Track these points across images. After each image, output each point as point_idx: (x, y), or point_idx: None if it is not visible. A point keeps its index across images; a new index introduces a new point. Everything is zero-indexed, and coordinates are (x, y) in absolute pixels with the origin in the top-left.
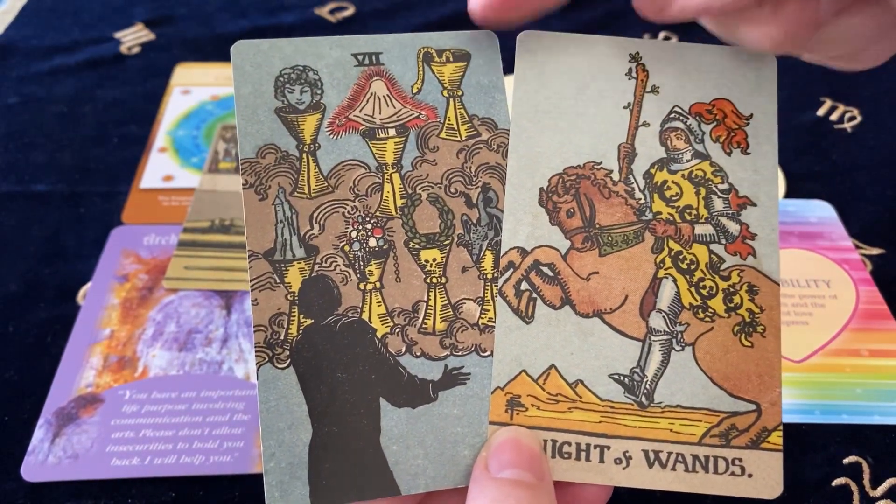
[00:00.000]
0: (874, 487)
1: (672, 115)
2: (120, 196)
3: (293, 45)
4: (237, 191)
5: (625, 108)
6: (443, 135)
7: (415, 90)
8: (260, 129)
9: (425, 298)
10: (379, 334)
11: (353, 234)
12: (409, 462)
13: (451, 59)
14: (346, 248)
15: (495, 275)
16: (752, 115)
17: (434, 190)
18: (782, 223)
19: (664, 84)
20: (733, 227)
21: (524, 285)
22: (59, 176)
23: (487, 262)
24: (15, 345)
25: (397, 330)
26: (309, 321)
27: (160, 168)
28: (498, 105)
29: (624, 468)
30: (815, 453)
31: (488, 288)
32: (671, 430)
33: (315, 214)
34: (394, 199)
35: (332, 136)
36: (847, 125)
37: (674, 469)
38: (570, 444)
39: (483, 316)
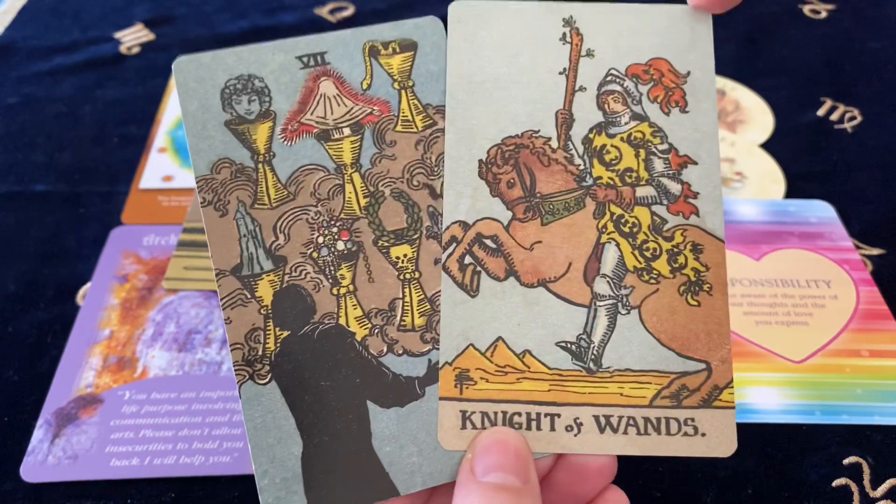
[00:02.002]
0: (874, 488)
1: (608, 79)
2: (119, 196)
3: (235, 54)
4: None
5: (560, 73)
6: (399, 128)
7: (365, 86)
8: (212, 144)
9: (401, 295)
10: (358, 337)
11: (320, 240)
12: (404, 461)
13: (398, 50)
14: (315, 254)
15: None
16: (689, 73)
17: (397, 185)
18: (782, 223)
19: (599, 47)
20: (674, 187)
21: (468, 259)
22: (58, 176)
23: None
24: (14, 345)
25: (376, 331)
26: (285, 333)
27: (160, 168)
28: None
29: (575, 435)
30: (815, 454)
31: None
32: (621, 395)
33: (279, 224)
34: (357, 199)
35: (286, 142)
36: (847, 125)
37: (625, 433)
38: (520, 414)
39: None
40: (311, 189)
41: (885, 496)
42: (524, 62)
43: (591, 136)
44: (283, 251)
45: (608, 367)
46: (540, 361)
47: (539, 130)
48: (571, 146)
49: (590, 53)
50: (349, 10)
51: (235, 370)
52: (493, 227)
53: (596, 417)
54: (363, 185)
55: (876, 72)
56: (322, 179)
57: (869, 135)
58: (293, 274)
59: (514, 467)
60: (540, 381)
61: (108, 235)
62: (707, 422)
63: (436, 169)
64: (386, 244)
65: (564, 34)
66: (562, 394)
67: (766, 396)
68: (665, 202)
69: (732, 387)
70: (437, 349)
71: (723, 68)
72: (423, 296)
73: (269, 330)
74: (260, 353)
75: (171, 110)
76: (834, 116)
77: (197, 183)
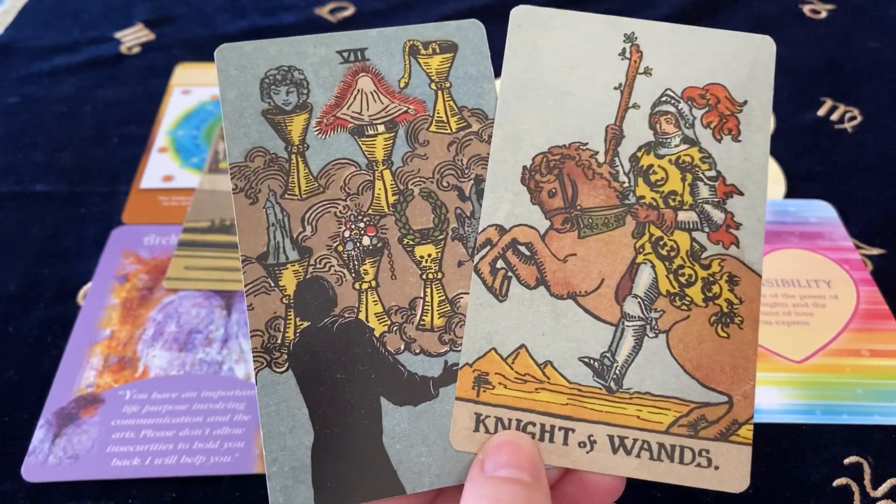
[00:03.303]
0: (875, 488)
1: (663, 98)
2: (120, 196)
3: (277, 45)
4: None
5: (615, 88)
6: (432, 128)
7: (402, 84)
8: (247, 133)
9: (422, 295)
10: (377, 333)
11: (346, 234)
12: (413, 461)
13: (438, 51)
14: (340, 247)
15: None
16: (745, 102)
17: (426, 185)
18: (783, 223)
19: (658, 66)
20: (717, 216)
21: (500, 263)
22: (59, 176)
23: None
24: (15, 345)
25: (395, 328)
26: (305, 323)
27: (160, 168)
28: (487, 95)
29: (587, 452)
30: (815, 454)
31: None
32: (638, 417)
33: (307, 216)
34: (385, 196)
35: (320, 135)
36: (847, 125)
37: (638, 456)
38: (534, 424)
39: None
40: (342, 183)
41: (885, 496)
42: (580, 74)
43: (639, 154)
44: (309, 242)
45: (628, 389)
46: (560, 374)
47: (587, 143)
48: (618, 162)
49: (647, 71)
50: (349, 10)
51: (254, 357)
52: (529, 234)
53: (610, 437)
54: (393, 182)
55: (876, 72)
56: (353, 175)
57: (869, 135)
58: (317, 266)
59: (526, 466)
60: (558, 394)
61: (109, 235)
62: (722, 455)
63: (466, 171)
64: (411, 243)
65: (624, 50)
66: (579, 409)
67: (767, 396)
68: (706, 229)
69: (752, 423)
70: (455, 351)
71: None
72: (444, 297)
73: (290, 320)
74: (279, 341)
75: (171, 110)
76: (834, 116)
77: (230, 169)
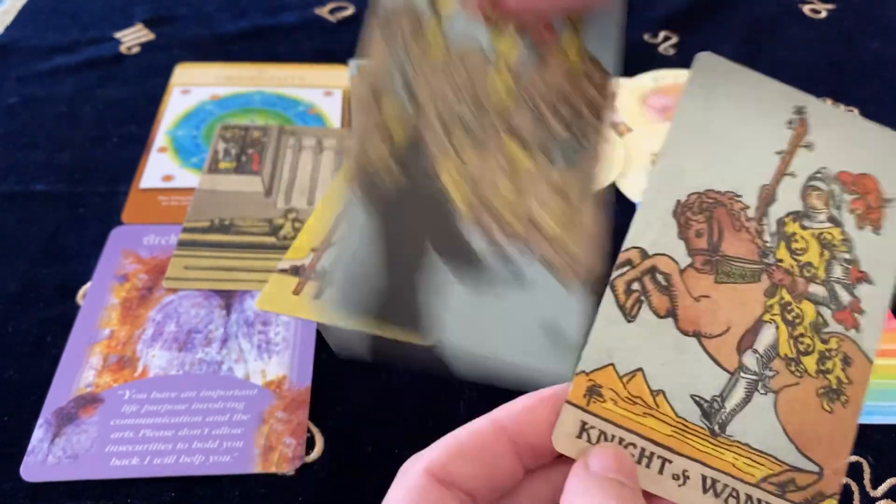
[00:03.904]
0: (874, 487)
1: (818, 175)
2: (120, 196)
3: None
4: (237, 190)
5: (777, 153)
6: (556, 55)
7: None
8: None
9: (501, 187)
10: (456, 206)
11: (455, 105)
12: (451, 321)
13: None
14: (444, 115)
15: (569, 191)
16: (891, 200)
17: (533, 97)
18: None
19: (819, 144)
20: (845, 297)
21: (635, 286)
22: (58, 176)
23: (565, 179)
24: (14, 345)
25: (471, 205)
26: (404, 179)
27: (160, 168)
28: (608, 53)
29: (679, 485)
30: None
31: (559, 197)
32: (734, 465)
33: (428, 74)
34: (501, 88)
35: (463, 18)
36: None
37: (726, 501)
38: (634, 445)
39: (545, 220)
40: (467, 62)
41: (885, 495)
42: (748, 130)
43: (786, 220)
44: (420, 95)
45: (730, 435)
46: (670, 406)
47: (742, 196)
48: (765, 221)
49: (809, 146)
50: (349, 10)
51: (348, 180)
52: (669, 266)
53: (703, 477)
54: (511, 81)
55: (876, 71)
56: (478, 61)
57: None
58: (422, 124)
59: (629, 474)
60: (664, 424)
61: (109, 235)
62: None
63: (572, 103)
64: (507, 140)
65: (791, 121)
66: (680, 443)
67: None
68: (832, 307)
69: (837, 499)
70: (513, 246)
71: None
72: (517, 198)
73: (390, 165)
74: (376, 179)
75: (171, 110)
76: None
77: (382, 8)
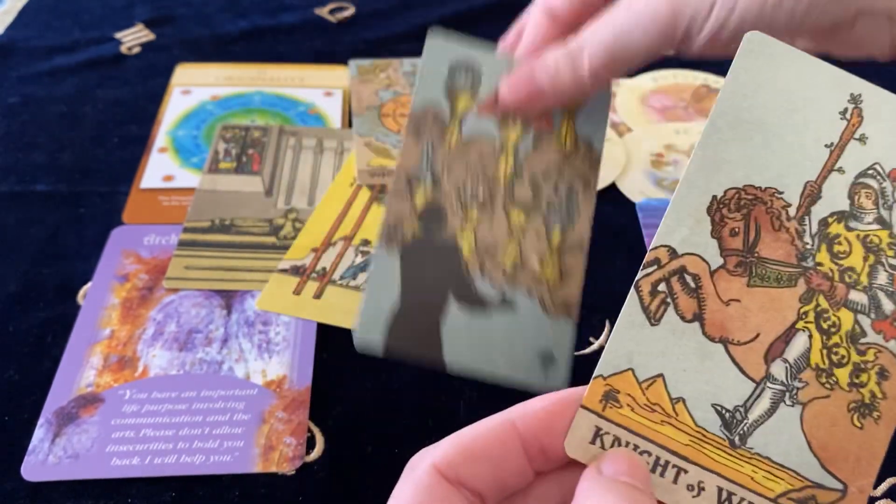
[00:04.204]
0: (874, 487)
1: (870, 171)
2: (120, 196)
3: (482, 49)
4: (237, 190)
5: (826, 146)
6: (553, 140)
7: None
8: (427, 96)
9: (505, 244)
10: (465, 255)
11: (469, 184)
12: (459, 344)
13: None
14: (461, 192)
15: (560, 247)
16: None
17: (534, 173)
18: None
19: (874, 136)
20: (888, 306)
21: (662, 287)
22: (59, 176)
23: (555, 237)
24: (15, 345)
25: (478, 258)
26: (422, 234)
27: (160, 168)
28: (598, 134)
29: (694, 496)
30: None
31: (550, 257)
32: (752, 478)
33: (447, 162)
34: (505, 169)
35: (476, 114)
36: None
37: None
38: (650, 454)
39: (541, 273)
40: (479, 151)
41: (884, 495)
42: (796, 120)
43: (829, 220)
44: (442, 178)
45: (751, 448)
46: (690, 414)
47: (783, 193)
48: (807, 221)
49: (862, 139)
50: (349, 11)
51: (379, 237)
52: (699, 266)
53: (720, 489)
54: (513, 163)
55: (875, 71)
56: (487, 148)
57: None
58: (441, 196)
59: (642, 480)
60: (682, 433)
61: (109, 235)
62: None
63: (565, 177)
64: (510, 207)
65: (846, 110)
66: (698, 453)
67: None
68: (872, 316)
69: None
70: (512, 289)
71: (722, 68)
72: (518, 251)
73: (412, 223)
74: (400, 234)
75: (171, 110)
76: None
77: (409, 115)
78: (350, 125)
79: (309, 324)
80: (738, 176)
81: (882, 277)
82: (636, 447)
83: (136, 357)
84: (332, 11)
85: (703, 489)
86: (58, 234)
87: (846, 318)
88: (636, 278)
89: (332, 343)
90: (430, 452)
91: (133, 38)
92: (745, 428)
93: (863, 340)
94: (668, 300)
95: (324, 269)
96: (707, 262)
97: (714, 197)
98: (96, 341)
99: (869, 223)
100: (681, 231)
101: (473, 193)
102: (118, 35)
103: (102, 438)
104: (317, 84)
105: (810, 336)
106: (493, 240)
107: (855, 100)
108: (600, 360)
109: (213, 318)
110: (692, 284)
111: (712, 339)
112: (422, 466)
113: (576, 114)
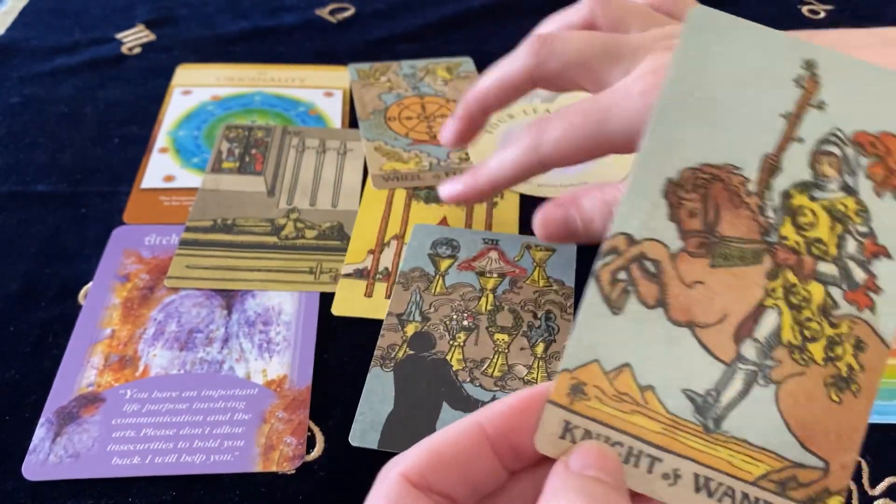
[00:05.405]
0: (873, 486)
1: (830, 138)
2: (121, 196)
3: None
4: (240, 190)
5: (782, 116)
6: (528, 282)
7: (516, 259)
8: (417, 260)
9: (491, 356)
10: (454, 368)
11: (454, 317)
12: None
13: (543, 249)
14: (448, 323)
15: (542, 357)
16: None
17: (513, 306)
18: None
19: (832, 102)
20: (859, 275)
21: (622, 275)
22: (60, 176)
23: (539, 349)
24: (16, 344)
25: (467, 369)
26: (412, 352)
27: (161, 168)
28: (567, 274)
29: (669, 485)
30: None
31: (536, 363)
32: (729, 463)
33: (434, 303)
34: (486, 305)
35: (458, 270)
36: None
37: (720, 501)
38: (622, 444)
39: (528, 375)
40: (461, 294)
41: (883, 494)
42: (749, 92)
43: (791, 192)
44: (430, 316)
45: (726, 431)
46: (661, 402)
47: (741, 168)
48: (768, 196)
49: (820, 106)
50: (350, 11)
51: (373, 361)
52: (659, 251)
53: (696, 476)
54: (493, 300)
55: None
56: (470, 292)
57: None
58: (430, 327)
59: (612, 472)
60: (654, 422)
61: (110, 235)
62: None
63: (542, 307)
64: (493, 331)
65: (800, 77)
66: (671, 441)
67: None
68: (844, 287)
69: (843, 497)
70: (503, 392)
71: None
72: (505, 362)
73: (403, 348)
74: (392, 356)
75: (172, 111)
76: None
77: (399, 278)
78: (350, 125)
79: (309, 324)
80: (692, 156)
81: (851, 246)
82: (608, 439)
83: (136, 357)
84: (332, 12)
85: (679, 477)
86: (59, 234)
87: (817, 291)
88: (595, 268)
89: (332, 343)
90: (400, 460)
91: (134, 38)
92: (719, 412)
93: (836, 313)
94: (629, 288)
95: (386, 269)
96: (667, 246)
97: (669, 179)
98: (97, 341)
99: (834, 191)
100: (637, 217)
101: (459, 323)
102: (119, 36)
103: (103, 438)
104: (317, 85)
105: (780, 313)
106: (480, 354)
107: (809, 66)
108: (564, 353)
109: (213, 318)
110: (653, 270)
111: (678, 324)
112: (391, 476)
113: (545, 263)
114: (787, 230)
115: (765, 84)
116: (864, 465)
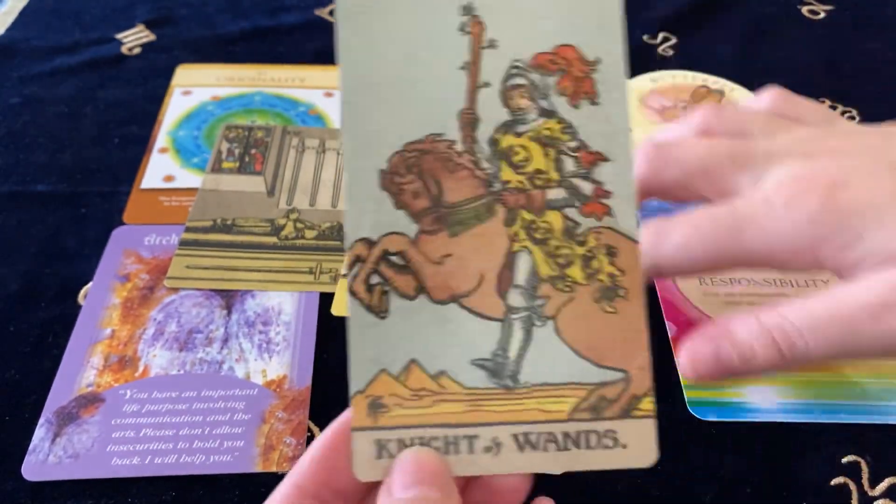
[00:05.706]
0: (873, 487)
1: (513, 71)
2: (121, 196)
3: None
4: (240, 190)
5: (461, 68)
6: None
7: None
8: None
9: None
10: None
11: None
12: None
13: None
14: None
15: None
16: (598, 60)
17: None
18: None
19: (502, 36)
20: (586, 187)
21: (375, 279)
22: (60, 176)
23: None
24: (16, 344)
25: None
26: None
27: (161, 168)
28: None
29: (495, 455)
30: (813, 453)
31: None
32: (540, 410)
33: None
34: None
35: None
36: None
37: (545, 450)
38: (437, 438)
39: None
40: None
41: (883, 495)
42: (422, 58)
43: (497, 136)
44: None
45: (526, 383)
46: (456, 382)
47: (443, 133)
48: (478, 149)
49: (493, 44)
50: None
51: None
52: (399, 242)
53: (515, 436)
54: None
55: (875, 72)
56: None
57: None
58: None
59: (432, 481)
60: (456, 403)
61: (110, 235)
62: (627, 433)
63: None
64: None
65: (463, 24)
66: (479, 414)
67: (765, 395)
68: (577, 204)
69: (652, 395)
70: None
71: (721, 69)
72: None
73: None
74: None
75: (171, 111)
76: None
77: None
78: None
79: (309, 324)
80: (393, 140)
81: (570, 164)
82: (421, 438)
83: (136, 357)
84: (332, 12)
85: (499, 444)
86: (58, 235)
87: (555, 218)
88: (348, 285)
89: (332, 343)
90: None
91: (134, 38)
92: (512, 367)
93: (579, 231)
94: (386, 288)
95: None
96: (405, 235)
97: (381, 170)
98: (97, 341)
99: (534, 119)
100: (367, 218)
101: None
102: (119, 36)
103: (103, 438)
104: (317, 85)
105: (530, 252)
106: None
107: (468, 9)
108: (350, 377)
109: (213, 318)
110: (400, 262)
111: (443, 303)
112: None
113: None
114: (507, 173)
115: (432, 43)
116: (864, 465)
